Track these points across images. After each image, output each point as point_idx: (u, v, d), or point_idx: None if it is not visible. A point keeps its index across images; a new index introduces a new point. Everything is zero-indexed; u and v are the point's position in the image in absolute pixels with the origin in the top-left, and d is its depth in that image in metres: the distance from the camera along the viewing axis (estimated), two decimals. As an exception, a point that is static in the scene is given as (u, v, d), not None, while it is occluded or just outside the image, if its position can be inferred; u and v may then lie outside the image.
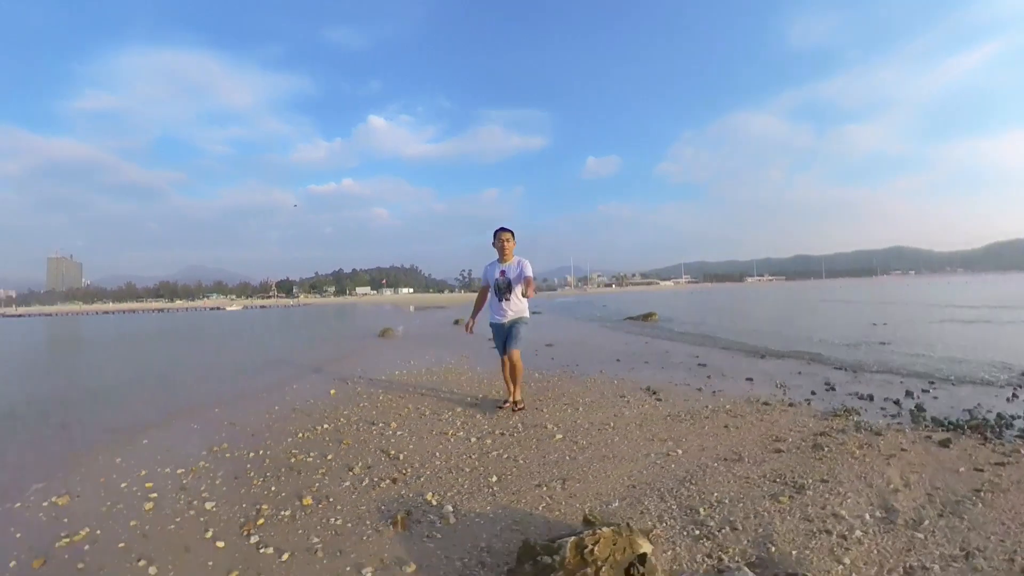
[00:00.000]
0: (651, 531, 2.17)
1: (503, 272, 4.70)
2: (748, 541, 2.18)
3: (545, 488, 2.82)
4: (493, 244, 4.72)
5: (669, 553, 2.11)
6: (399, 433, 4.11)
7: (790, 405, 4.49)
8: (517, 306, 4.69)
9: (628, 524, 1.96)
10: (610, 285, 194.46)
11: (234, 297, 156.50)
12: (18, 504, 3.00)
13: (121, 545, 2.45)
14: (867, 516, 2.34)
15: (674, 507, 2.54)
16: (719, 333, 11.91)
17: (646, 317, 17.39)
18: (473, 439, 3.85)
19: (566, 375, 6.35)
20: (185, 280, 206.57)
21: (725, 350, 8.74)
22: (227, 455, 3.74)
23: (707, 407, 4.45)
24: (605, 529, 1.84)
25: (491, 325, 4.78)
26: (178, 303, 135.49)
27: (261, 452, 3.76)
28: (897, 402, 4.59)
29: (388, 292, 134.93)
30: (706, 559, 2.06)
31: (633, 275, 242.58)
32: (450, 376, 6.59)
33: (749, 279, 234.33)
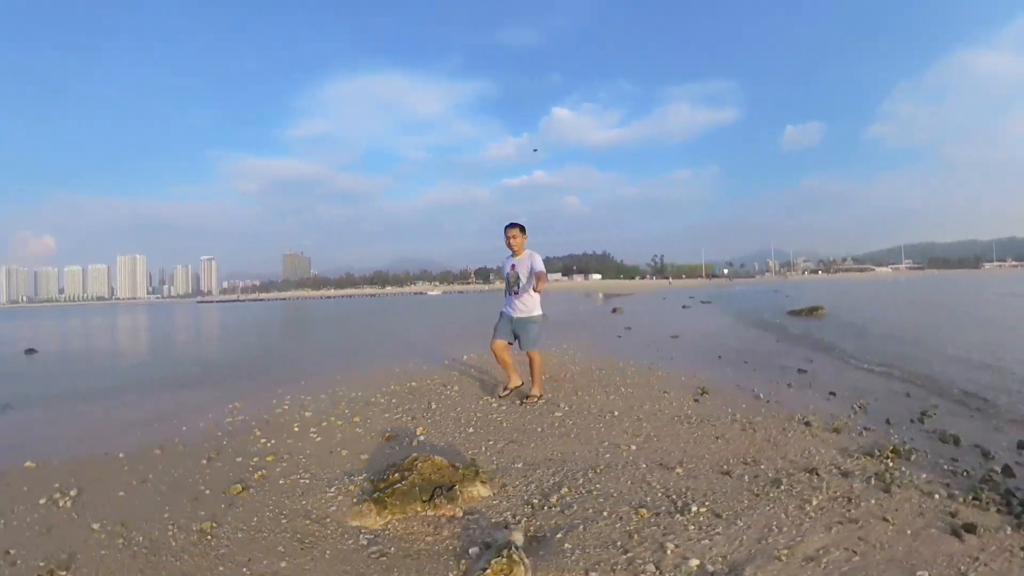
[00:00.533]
0: (503, 485, 2.83)
1: (513, 266, 4.88)
2: (554, 524, 2.42)
3: (492, 442, 3.68)
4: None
5: (496, 502, 2.66)
6: (454, 394, 5.29)
7: (834, 431, 3.84)
8: (527, 302, 4.81)
9: (477, 470, 2.79)
10: (816, 271, 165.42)
11: (437, 283, 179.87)
12: (222, 407, 5.16)
13: (252, 424, 4.28)
14: (693, 563, 2.06)
15: (550, 481, 2.91)
16: (859, 338, 10.32)
17: (811, 311, 15.57)
18: (494, 404, 4.79)
19: (645, 367, 6.53)
20: (395, 269, 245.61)
21: (840, 359, 7.64)
22: (339, 392, 5.50)
23: (733, 416, 4.25)
24: (438, 458, 2.75)
25: (500, 312, 5.05)
26: (388, 289, 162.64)
27: (358, 394, 5.39)
28: (987, 455, 3.46)
29: (579, 278, 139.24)
30: (508, 518, 2.49)
31: (844, 259, 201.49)
32: (549, 358, 7.13)
33: (987, 265, 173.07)
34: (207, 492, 2.94)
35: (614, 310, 19.34)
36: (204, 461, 3.48)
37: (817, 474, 2.94)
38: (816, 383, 5.76)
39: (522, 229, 4.93)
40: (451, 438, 3.82)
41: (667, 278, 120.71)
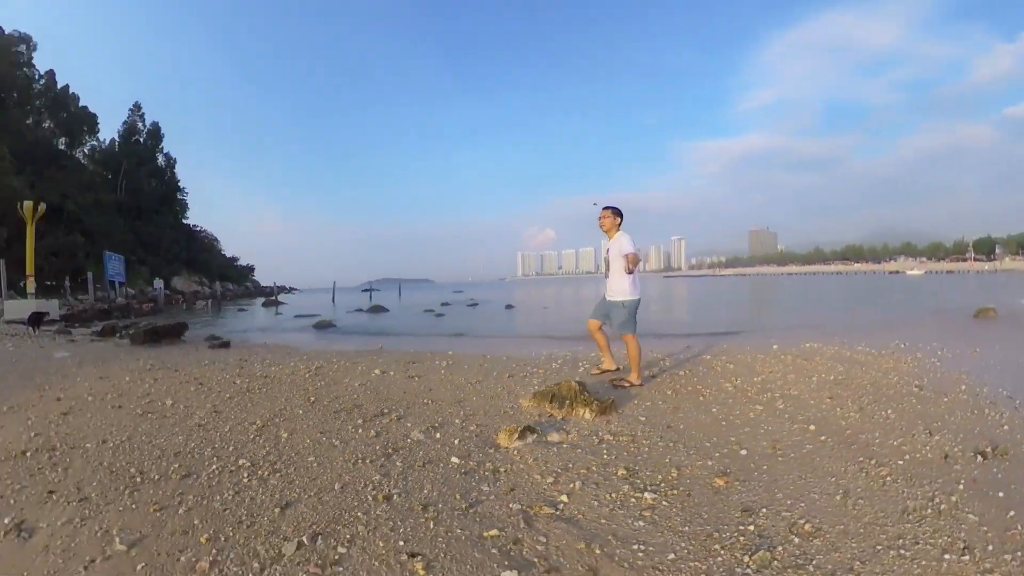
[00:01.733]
0: (607, 421, 3.93)
1: (608, 249, 5.08)
2: (575, 442, 3.42)
3: (661, 403, 4.48)
4: None
5: (584, 423, 3.84)
6: (707, 369, 6.01)
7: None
8: (617, 284, 4.90)
9: (595, 402, 4.11)
10: None
11: (924, 260, 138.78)
12: (559, 349, 8.04)
13: (561, 357, 6.84)
14: (562, 498, 2.60)
15: (630, 433, 3.63)
16: None
17: None
18: (728, 386, 5.06)
19: (974, 399, 4.59)
20: (872, 242, 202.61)
21: None
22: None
23: (939, 496, 2.70)
24: (575, 384, 4.27)
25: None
26: (856, 267, 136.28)
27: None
28: None
29: None
30: (571, 430, 3.65)
31: None
32: (877, 360, 6.30)
33: None
34: (494, 374, 5.74)
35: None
36: (513, 364, 6.42)
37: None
38: None
39: (615, 211, 5.02)
40: (642, 390, 4.91)
41: None
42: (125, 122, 54.92)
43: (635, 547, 2.22)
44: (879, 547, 2.23)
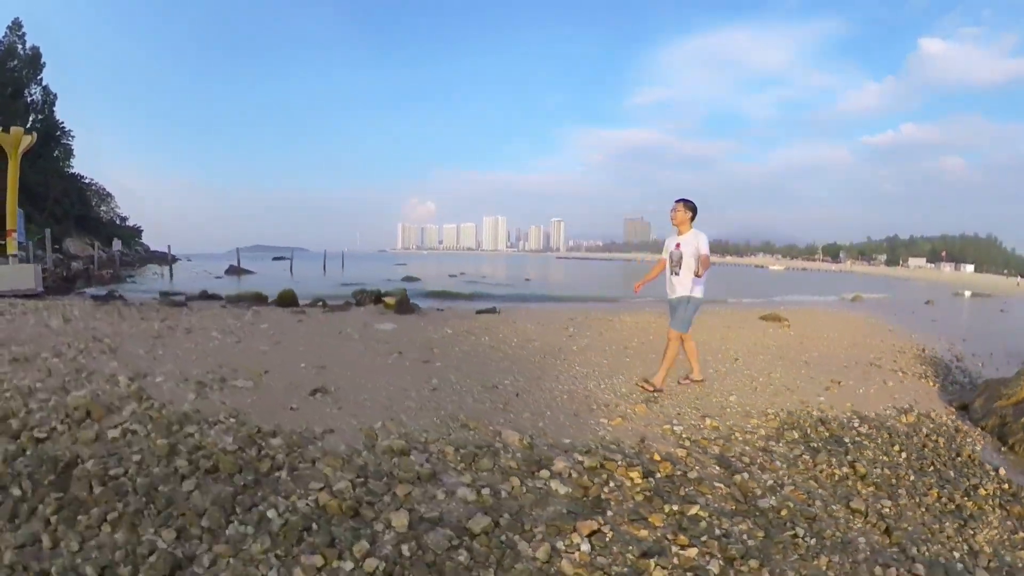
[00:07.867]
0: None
1: (678, 244, 5.10)
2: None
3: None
4: None
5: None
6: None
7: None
8: (687, 283, 5.05)
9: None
10: None
11: (780, 257, 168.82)
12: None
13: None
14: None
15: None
16: None
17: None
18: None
19: None
20: (736, 238, 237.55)
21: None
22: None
23: None
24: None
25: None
26: (728, 259, 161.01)
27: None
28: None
29: (947, 268, 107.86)
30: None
31: None
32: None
33: None
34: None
35: (928, 305, 20.54)
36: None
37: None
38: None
39: (687, 204, 4.77)
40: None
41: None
42: (0, 42, 47.33)
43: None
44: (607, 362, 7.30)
